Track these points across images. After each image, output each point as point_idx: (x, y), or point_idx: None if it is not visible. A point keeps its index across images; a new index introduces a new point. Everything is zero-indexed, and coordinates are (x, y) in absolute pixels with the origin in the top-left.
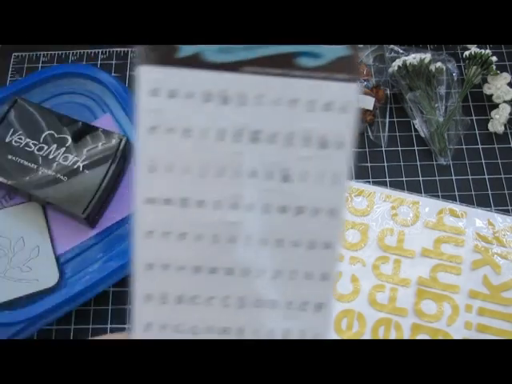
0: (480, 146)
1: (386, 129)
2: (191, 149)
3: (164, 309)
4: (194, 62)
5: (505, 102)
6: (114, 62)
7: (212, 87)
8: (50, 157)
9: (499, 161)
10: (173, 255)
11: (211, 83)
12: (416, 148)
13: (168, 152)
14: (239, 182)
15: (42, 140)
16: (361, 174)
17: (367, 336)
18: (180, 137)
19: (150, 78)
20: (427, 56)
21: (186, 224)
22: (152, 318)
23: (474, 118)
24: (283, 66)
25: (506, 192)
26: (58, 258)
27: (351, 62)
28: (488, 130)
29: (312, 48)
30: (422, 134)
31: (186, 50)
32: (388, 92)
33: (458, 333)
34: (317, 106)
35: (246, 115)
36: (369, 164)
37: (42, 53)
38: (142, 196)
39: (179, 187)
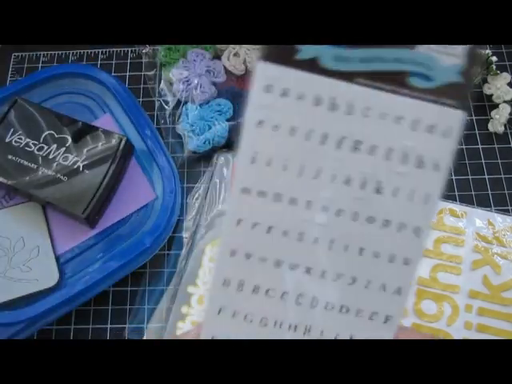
0: (480, 146)
1: None
2: (293, 147)
3: (239, 296)
4: (311, 66)
5: (505, 102)
6: (113, 61)
7: (323, 92)
8: (50, 157)
9: (499, 161)
10: (257, 246)
11: (323, 89)
12: None
13: (271, 147)
14: (333, 187)
15: (42, 140)
16: None
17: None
18: (285, 134)
19: (265, 74)
20: None
21: (275, 218)
22: (226, 303)
23: (473, 117)
24: (395, 83)
25: (505, 192)
26: (58, 258)
27: (462, 90)
28: (488, 130)
29: (426, 70)
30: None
31: (306, 53)
32: None
33: (457, 333)
34: (420, 126)
35: (351, 124)
36: None
37: (42, 53)
38: (240, 185)
39: (275, 182)
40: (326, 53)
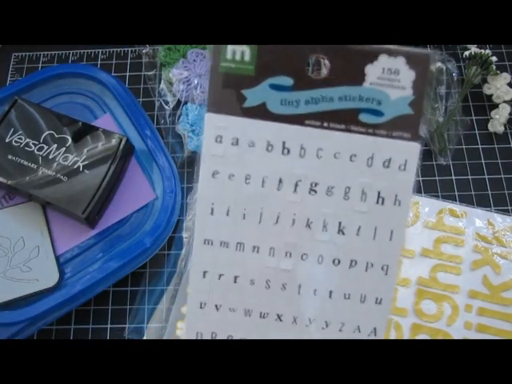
0: (480, 146)
1: None
2: (250, 195)
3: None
4: (259, 112)
5: (505, 102)
6: (114, 62)
7: (273, 138)
8: (50, 157)
9: (499, 161)
10: (225, 297)
11: (273, 134)
12: None
13: (228, 196)
14: (294, 231)
15: (42, 140)
16: None
17: None
18: (240, 183)
19: (214, 125)
20: None
21: (240, 268)
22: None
23: (473, 118)
24: (346, 121)
25: (505, 192)
26: (57, 258)
27: (412, 121)
28: (488, 130)
29: (375, 105)
30: (422, 134)
31: (252, 101)
32: None
33: (457, 333)
34: (375, 162)
35: (305, 167)
36: None
37: (42, 53)
38: (201, 236)
39: (236, 231)
40: (272, 98)
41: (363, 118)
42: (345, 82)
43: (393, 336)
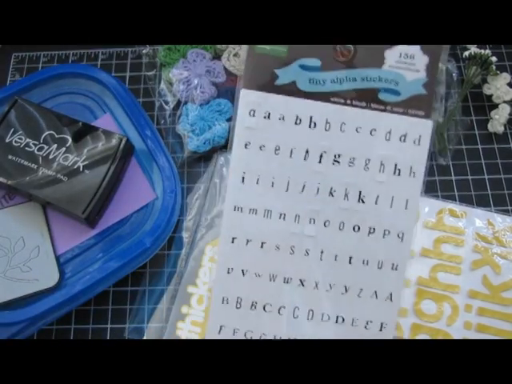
0: (480, 146)
1: None
2: (279, 165)
3: (238, 313)
4: (289, 90)
5: (504, 102)
6: (114, 62)
7: (302, 113)
8: (50, 157)
9: (499, 161)
10: (252, 262)
11: (301, 109)
12: None
13: (258, 166)
14: (319, 199)
15: (42, 140)
16: None
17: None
18: (270, 153)
19: (248, 100)
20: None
21: (267, 234)
22: (226, 321)
23: (473, 118)
24: (367, 99)
25: (505, 192)
26: (58, 258)
27: (426, 101)
28: (488, 130)
29: (394, 86)
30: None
31: (283, 79)
32: None
33: (457, 333)
34: (393, 136)
35: (329, 139)
36: None
37: (42, 53)
38: (232, 203)
39: (264, 199)
40: (301, 77)
41: (382, 96)
42: (367, 64)
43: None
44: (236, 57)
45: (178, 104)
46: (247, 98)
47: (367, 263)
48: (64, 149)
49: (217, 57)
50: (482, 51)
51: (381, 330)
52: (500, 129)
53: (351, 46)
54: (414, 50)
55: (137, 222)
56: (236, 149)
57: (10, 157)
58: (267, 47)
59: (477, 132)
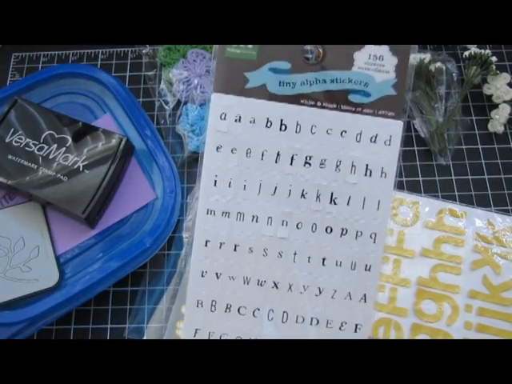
0: (480, 146)
1: None
2: (250, 167)
3: (212, 316)
4: (259, 93)
5: (505, 102)
6: (114, 62)
7: (272, 115)
8: (50, 157)
9: (499, 161)
10: (225, 265)
11: (272, 112)
12: (416, 148)
13: (230, 169)
14: (291, 201)
15: (42, 140)
16: None
17: (367, 336)
18: (241, 156)
19: (220, 103)
20: (427, 56)
21: (240, 236)
22: (200, 324)
23: (473, 118)
24: (337, 101)
25: (505, 192)
26: (57, 258)
27: (396, 101)
28: (488, 130)
29: (363, 87)
30: (422, 134)
31: (254, 82)
32: None
33: (457, 333)
34: (363, 137)
35: (300, 141)
36: None
37: (42, 53)
38: (204, 207)
39: (237, 202)
40: (271, 80)
41: (352, 98)
42: (336, 66)
43: (393, 336)
44: None
45: (178, 104)
46: (218, 101)
47: (340, 264)
48: (64, 149)
49: None
50: (482, 51)
51: (355, 331)
52: (500, 129)
53: (320, 49)
54: (383, 50)
55: (137, 221)
56: (208, 152)
57: (9, 157)
58: (237, 50)
59: (477, 132)
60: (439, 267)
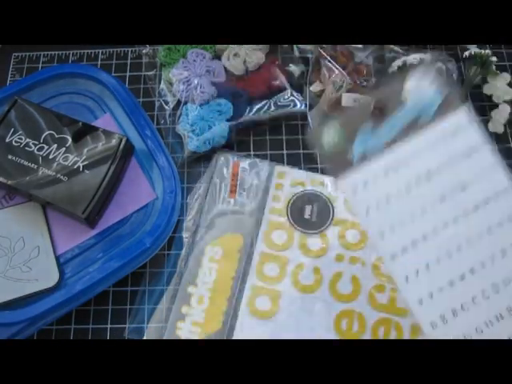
0: None
1: None
2: (399, 206)
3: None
4: (364, 159)
5: (505, 101)
6: (114, 62)
7: (386, 164)
8: (50, 157)
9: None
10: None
11: (384, 163)
12: None
13: (386, 217)
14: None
15: (42, 140)
16: None
17: (367, 336)
18: (386, 204)
19: (346, 185)
20: (427, 56)
21: (428, 253)
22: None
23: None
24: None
25: None
26: (57, 258)
27: (454, 96)
28: (488, 130)
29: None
30: None
31: (356, 156)
32: None
33: None
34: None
35: (415, 167)
36: None
37: (42, 53)
38: (392, 253)
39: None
40: (363, 145)
41: (422, 120)
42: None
43: (393, 336)
44: (236, 56)
45: (178, 104)
46: (343, 185)
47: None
48: (64, 149)
49: (217, 57)
50: (482, 51)
51: None
52: (500, 129)
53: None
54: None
55: (137, 221)
56: (363, 218)
57: (9, 157)
58: (326, 141)
59: None
60: None
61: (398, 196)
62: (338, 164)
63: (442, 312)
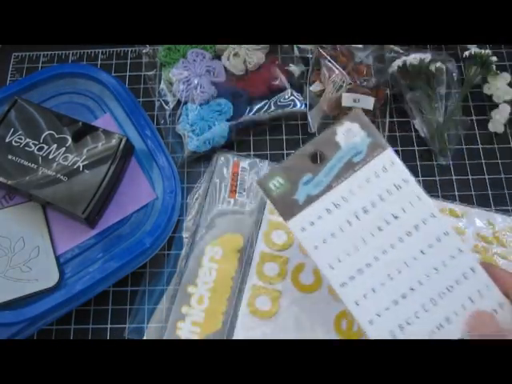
0: (480, 146)
1: (386, 129)
2: (343, 239)
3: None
4: (309, 201)
5: (505, 101)
6: (114, 62)
7: (327, 204)
8: (50, 157)
9: (499, 161)
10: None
11: (326, 202)
12: (416, 148)
13: (333, 250)
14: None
15: (42, 140)
16: None
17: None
18: (332, 238)
19: (295, 226)
20: (427, 56)
21: (373, 278)
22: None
23: (473, 118)
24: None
25: (506, 192)
26: (57, 258)
27: (376, 141)
28: (488, 130)
29: (356, 152)
30: (422, 134)
31: (300, 198)
32: (388, 92)
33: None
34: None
35: (354, 203)
36: None
37: (42, 53)
38: (340, 281)
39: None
40: (309, 188)
41: (354, 160)
42: (331, 155)
43: None
44: (236, 56)
45: (178, 104)
46: (293, 226)
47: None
48: (64, 149)
49: (217, 57)
50: (482, 51)
51: None
52: (500, 129)
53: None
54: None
55: (137, 221)
56: (311, 252)
57: (9, 157)
58: (276, 188)
59: (477, 132)
60: None
61: (341, 230)
62: (286, 207)
63: (390, 328)
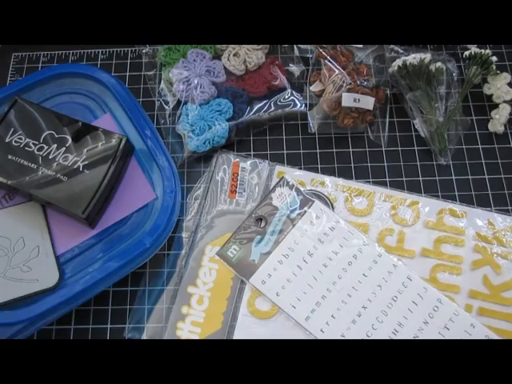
0: (480, 146)
1: (386, 129)
2: (298, 281)
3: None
4: (263, 258)
5: (505, 101)
6: (113, 62)
7: (278, 256)
8: (50, 157)
9: (499, 161)
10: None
11: (277, 256)
12: (416, 148)
13: (292, 292)
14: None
15: (42, 140)
16: (361, 174)
17: None
18: (288, 283)
19: (256, 281)
20: (427, 56)
21: (330, 307)
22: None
23: (473, 117)
24: (287, 226)
25: (505, 192)
26: (57, 258)
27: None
28: (488, 130)
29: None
30: (422, 134)
31: (255, 258)
32: (388, 92)
33: None
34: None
35: (299, 250)
36: (369, 164)
37: (41, 53)
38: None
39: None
40: (257, 249)
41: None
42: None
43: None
44: (236, 56)
45: (178, 104)
46: (256, 282)
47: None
48: (64, 149)
49: (217, 57)
50: (482, 51)
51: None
52: (500, 129)
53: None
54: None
55: (137, 221)
56: (275, 301)
57: (9, 157)
58: (231, 255)
59: (477, 132)
60: (439, 267)
61: (294, 275)
62: (245, 269)
63: None
